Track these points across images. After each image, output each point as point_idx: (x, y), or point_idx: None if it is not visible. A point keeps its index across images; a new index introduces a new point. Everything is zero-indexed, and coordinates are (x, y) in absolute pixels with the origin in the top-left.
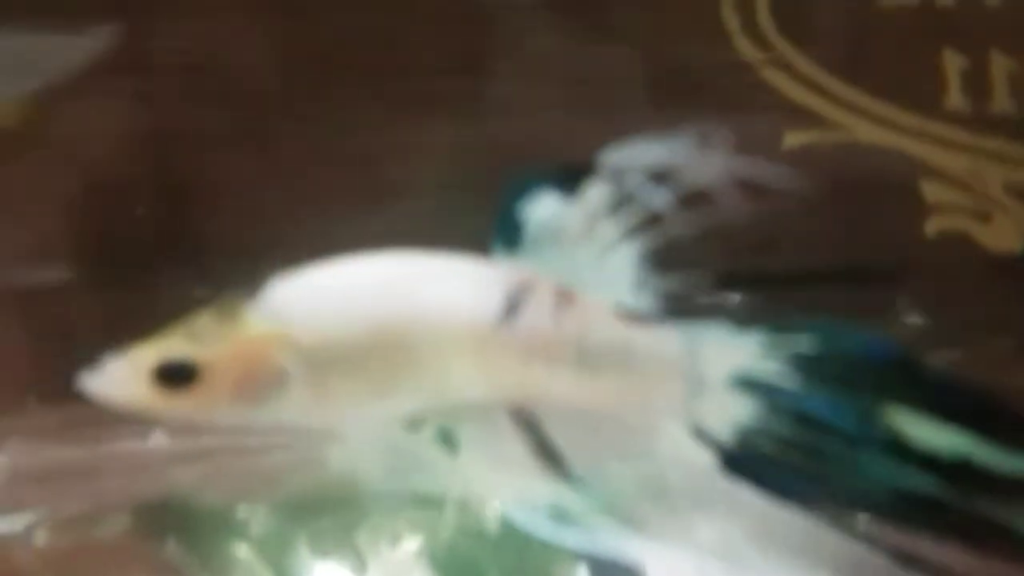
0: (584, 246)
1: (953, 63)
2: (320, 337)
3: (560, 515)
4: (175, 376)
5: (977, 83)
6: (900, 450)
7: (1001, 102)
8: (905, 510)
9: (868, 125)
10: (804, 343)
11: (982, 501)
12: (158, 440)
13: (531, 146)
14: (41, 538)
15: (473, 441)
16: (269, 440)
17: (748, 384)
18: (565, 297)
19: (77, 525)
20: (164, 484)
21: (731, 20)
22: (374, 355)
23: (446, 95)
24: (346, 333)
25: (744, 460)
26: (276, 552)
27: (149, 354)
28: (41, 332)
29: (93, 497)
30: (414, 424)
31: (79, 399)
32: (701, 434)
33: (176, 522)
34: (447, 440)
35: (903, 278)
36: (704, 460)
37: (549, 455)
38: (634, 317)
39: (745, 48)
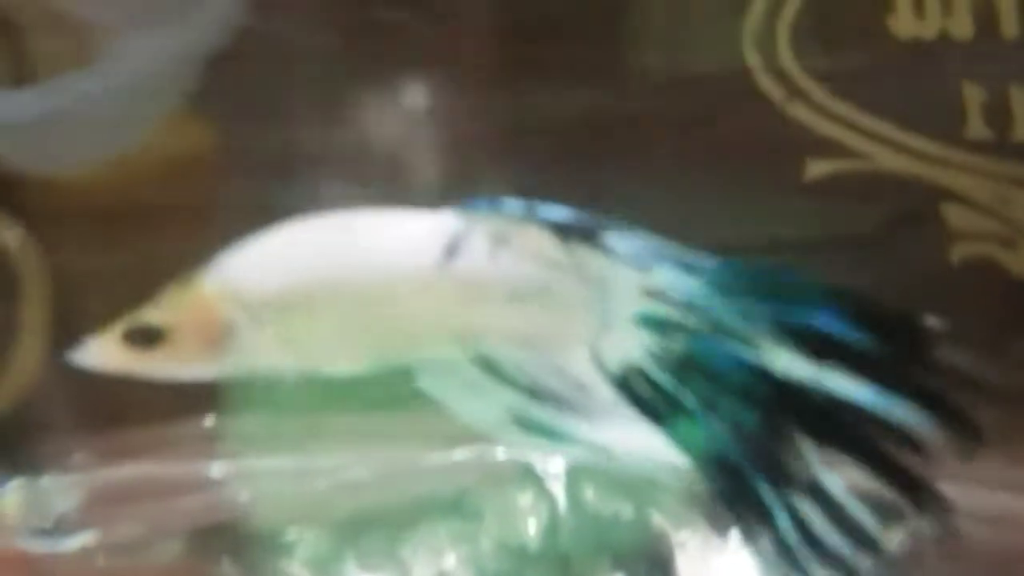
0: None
1: (973, 95)
2: (262, 289)
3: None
4: (143, 339)
5: (998, 114)
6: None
7: (1023, 132)
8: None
9: (890, 154)
10: (701, 288)
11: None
12: (212, 463)
13: None
14: (100, 560)
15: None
16: (314, 465)
17: (648, 323)
18: (500, 237)
19: (134, 547)
20: (217, 506)
21: (753, 58)
22: (322, 302)
23: None
24: (289, 283)
25: (626, 390)
26: (326, 570)
27: (120, 325)
28: None
29: (149, 520)
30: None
31: (133, 424)
32: (600, 364)
33: (230, 545)
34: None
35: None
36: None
37: (506, 378)
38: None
39: (767, 84)
